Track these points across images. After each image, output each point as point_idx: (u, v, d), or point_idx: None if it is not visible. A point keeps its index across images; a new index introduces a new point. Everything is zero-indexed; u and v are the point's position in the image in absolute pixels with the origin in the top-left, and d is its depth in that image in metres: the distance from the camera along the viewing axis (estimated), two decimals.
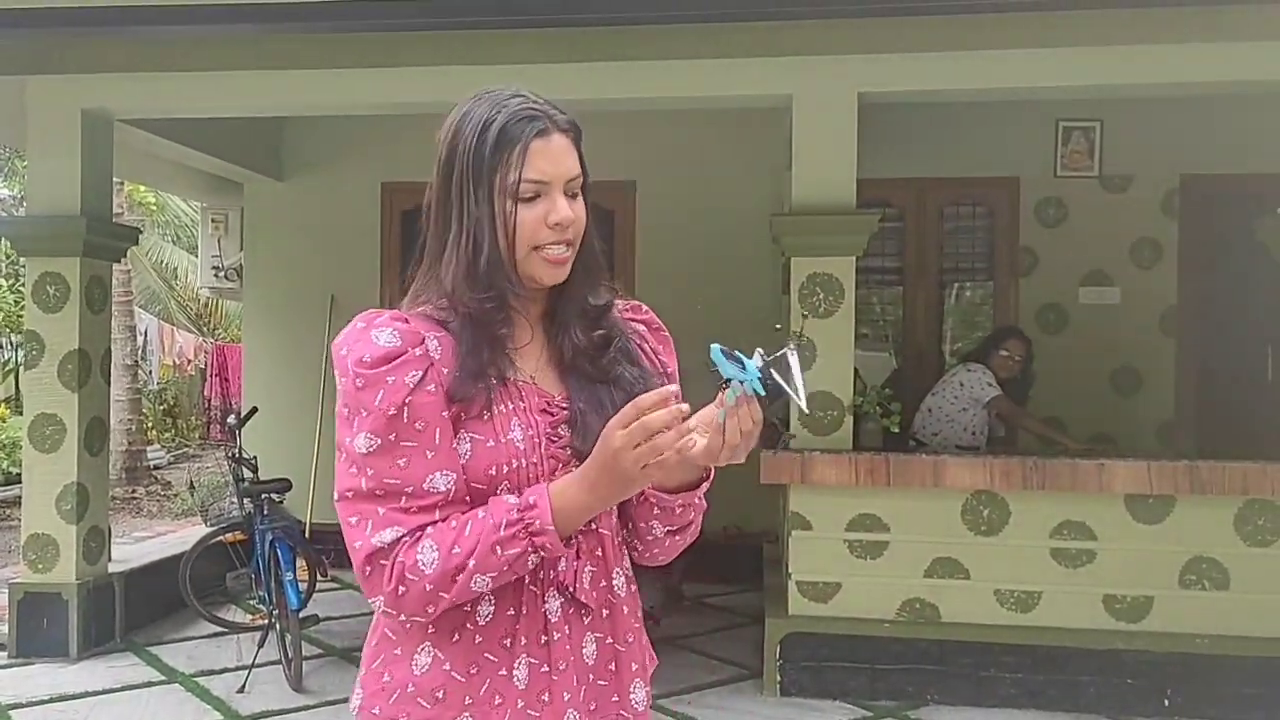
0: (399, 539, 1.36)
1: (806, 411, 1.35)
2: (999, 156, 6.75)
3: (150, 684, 4.99)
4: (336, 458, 1.43)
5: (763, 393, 1.29)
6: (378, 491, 1.37)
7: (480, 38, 4.89)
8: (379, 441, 1.37)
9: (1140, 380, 6.77)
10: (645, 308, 1.66)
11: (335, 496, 1.40)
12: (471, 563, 1.34)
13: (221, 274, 8.48)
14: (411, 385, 1.37)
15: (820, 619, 4.78)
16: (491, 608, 1.43)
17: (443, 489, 1.38)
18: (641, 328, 1.63)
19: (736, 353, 1.31)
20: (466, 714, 1.43)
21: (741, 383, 1.29)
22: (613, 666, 1.53)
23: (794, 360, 1.33)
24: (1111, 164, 6.71)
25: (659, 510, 1.52)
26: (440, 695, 1.43)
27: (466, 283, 1.43)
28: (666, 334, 1.67)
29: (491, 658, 1.43)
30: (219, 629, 5.84)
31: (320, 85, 5.20)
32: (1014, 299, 6.90)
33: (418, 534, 1.36)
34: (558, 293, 1.51)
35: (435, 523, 1.37)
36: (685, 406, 1.30)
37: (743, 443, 1.33)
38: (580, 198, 1.49)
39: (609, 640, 1.53)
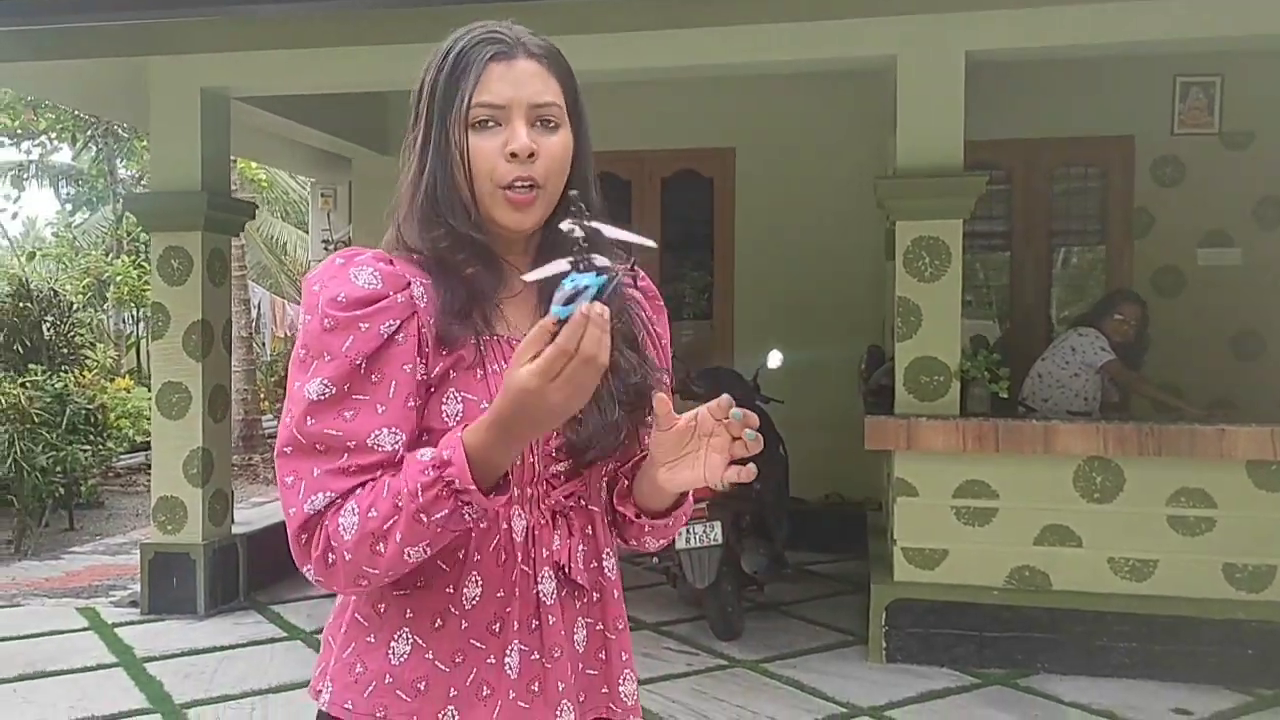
0: (331, 503, 1.22)
1: (652, 245, 1.14)
2: (1112, 115, 6.53)
3: (273, 640, 5.21)
4: (285, 406, 1.27)
5: (591, 285, 1.09)
6: (318, 446, 1.22)
7: (580, 6, 4.91)
8: (333, 390, 1.23)
9: (1263, 344, 6.51)
10: (643, 274, 1.50)
11: (275, 452, 1.26)
12: (398, 535, 1.18)
13: (331, 247, 8.71)
14: (385, 335, 1.24)
15: (927, 585, 4.75)
16: (479, 590, 1.30)
17: (388, 448, 1.23)
18: (639, 294, 1.47)
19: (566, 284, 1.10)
20: (451, 707, 1.30)
21: (593, 290, 1.09)
22: (602, 655, 1.41)
23: (603, 230, 1.13)
24: (1232, 120, 6.44)
25: (650, 529, 1.43)
26: (422, 687, 1.30)
27: (419, 223, 1.31)
28: (661, 303, 1.53)
29: (479, 645, 1.31)
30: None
31: (421, 58, 5.29)
32: (1128, 261, 6.70)
33: (349, 496, 1.22)
34: (548, 248, 1.32)
35: (363, 484, 1.22)
36: (584, 311, 1.08)
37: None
38: (561, 132, 1.32)
39: (599, 627, 1.41)
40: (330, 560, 1.21)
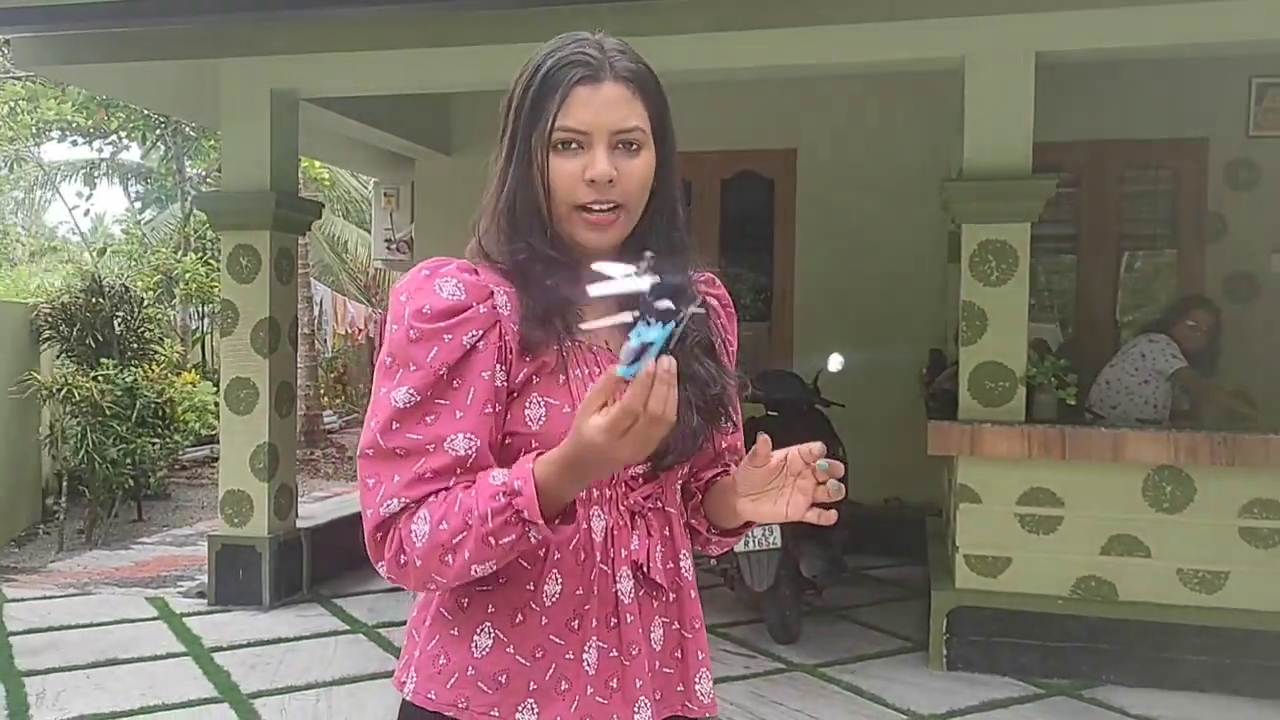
0: (405, 508, 1.27)
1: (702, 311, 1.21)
2: (1185, 117, 6.41)
3: (336, 633, 5.29)
4: (369, 409, 1.32)
5: (664, 335, 1.11)
6: (398, 451, 1.28)
7: (643, 9, 4.92)
8: (418, 398, 1.27)
9: None
10: (718, 281, 1.53)
11: (358, 452, 1.32)
12: (466, 553, 1.24)
13: (393, 246, 8.83)
14: (468, 345, 1.28)
15: (989, 593, 4.69)
16: (559, 587, 1.34)
17: (461, 451, 1.27)
18: (715, 303, 1.51)
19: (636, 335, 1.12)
20: (530, 700, 1.33)
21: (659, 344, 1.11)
22: (678, 654, 1.44)
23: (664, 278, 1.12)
24: None
25: (718, 543, 1.53)
26: (503, 680, 1.34)
27: (500, 235, 1.35)
28: (733, 310, 1.56)
29: (558, 640, 1.34)
30: (395, 585, 6.12)
31: (486, 60, 5.33)
32: (1199, 267, 6.56)
33: (422, 503, 1.27)
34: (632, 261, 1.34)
35: (437, 491, 1.27)
36: (650, 370, 1.12)
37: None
38: (643, 154, 1.34)
39: (675, 626, 1.44)
40: (402, 561, 1.28)
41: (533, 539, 1.24)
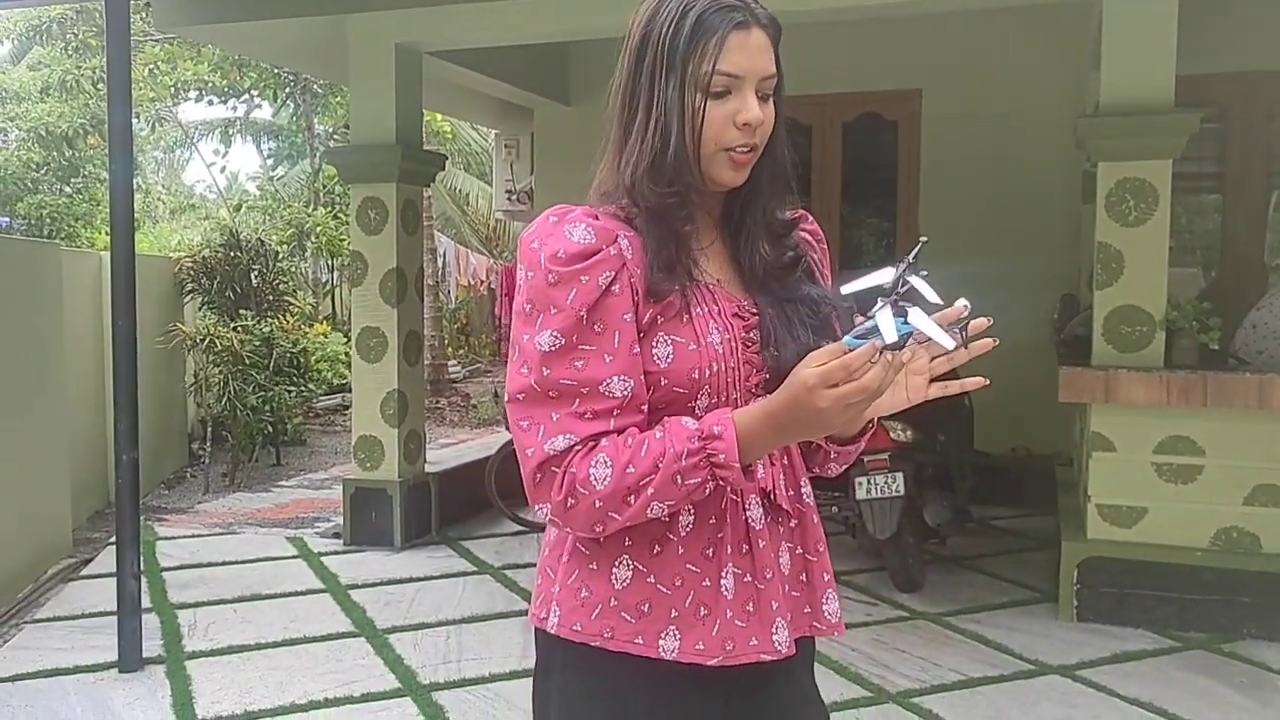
0: (571, 447, 1.30)
1: (953, 347, 1.23)
2: None
3: (464, 574, 5.46)
4: (510, 356, 1.37)
5: (894, 339, 1.19)
6: (551, 394, 1.31)
7: None
8: (563, 341, 1.31)
9: None
10: (810, 217, 1.55)
11: (507, 399, 1.35)
12: (650, 490, 1.28)
13: (514, 197, 8.93)
14: (604, 286, 1.32)
15: (1122, 544, 4.56)
16: (691, 518, 1.38)
17: (619, 394, 1.31)
18: (809, 237, 1.54)
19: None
20: (673, 627, 1.37)
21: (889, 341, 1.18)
22: (804, 577, 1.48)
23: (923, 287, 1.20)
24: None
25: (835, 455, 1.50)
26: (645, 609, 1.37)
27: (649, 176, 1.36)
28: (826, 247, 1.59)
29: (694, 569, 1.38)
30: (521, 528, 6.29)
31: (604, 8, 5.29)
32: None
33: (591, 444, 1.30)
34: (741, 200, 1.44)
35: (609, 433, 1.31)
36: (877, 345, 1.19)
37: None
38: (771, 101, 1.39)
39: (799, 550, 1.48)
40: (571, 504, 1.31)
41: (707, 491, 1.30)
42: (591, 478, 1.29)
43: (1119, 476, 4.56)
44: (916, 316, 1.20)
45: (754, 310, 1.43)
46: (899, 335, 1.19)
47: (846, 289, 1.25)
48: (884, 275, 1.22)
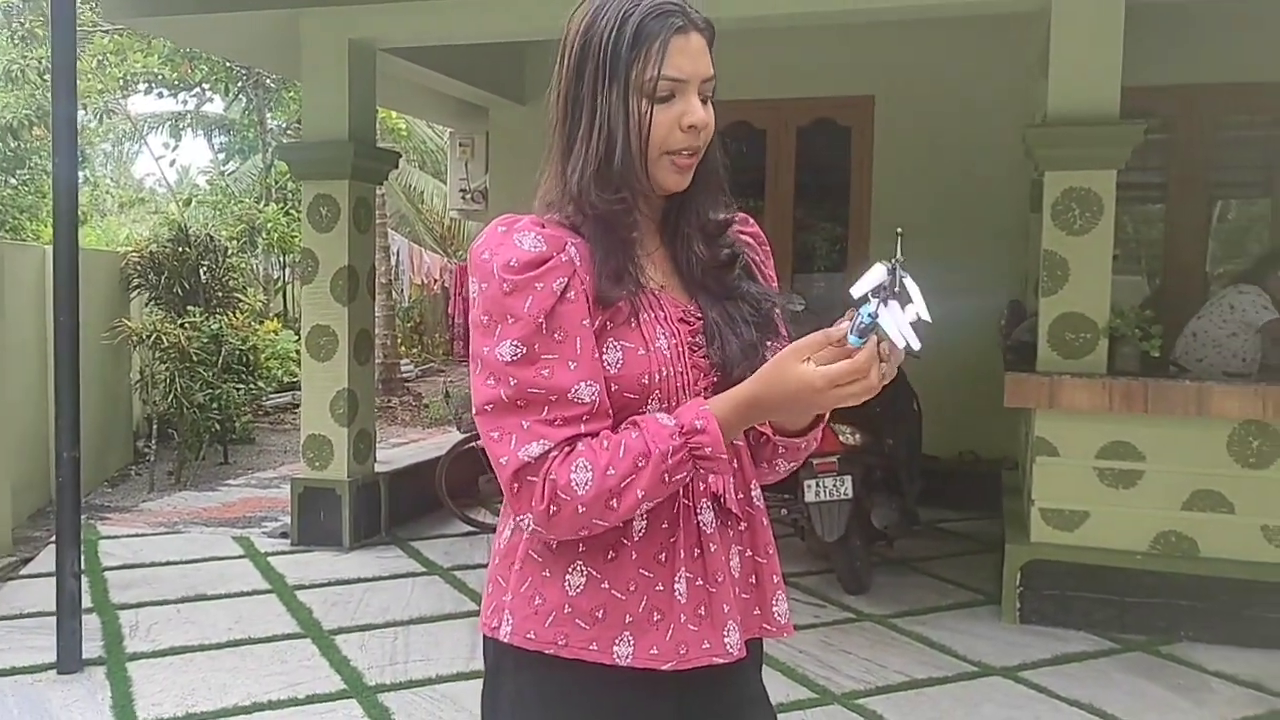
0: (547, 453, 1.30)
1: (915, 350, 1.24)
2: None
3: (413, 574, 5.43)
4: (471, 370, 1.37)
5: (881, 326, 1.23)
6: (519, 402, 1.31)
7: None
8: (524, 350, 1.31)
9: None
10: (750, 219, 1.57)
11: (474, 411, 1.35)
12: (640, 491, 1.30)
13: (469, 196, 8.89)
14: (558, 291, 1.32)
15: (1065, 548, 4.63)
16: (644, 523, 1.39)
17: (588, 400, 1.32)
18: (749, 239, 1.56)
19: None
20: (627, 633, 1.38)
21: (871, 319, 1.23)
22: (753, 579, 1.49)
23: (911, 286, 1.25)
24: None
25: (784, 450, 1.50)
26: (600, 615, 1.38)
27: (596, 183, 1.36)
28: (769, 247, 1.60)
29: (647, 574, 1.39)
30: (471, 529, 6.26)
31: (560, 8, 5.30)
32: None
33: (567, 449, 1.31)
34: (676, 203, 1.45)
35: (582, 436, 1.32)
36: (876, 342, 1.24)
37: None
38: (711, 105, 1.40)
39: (749, 553, 1.49)
40: (554, 511, 1.31)
41: (688, 478, 1.34)
42: (573, 483, 1.29)
43: (1062, 481, 4.64)
44: (889, 315, 1.23)
45: (698, 315, 1.45)
46: (867, 321, 1.23)
47: (855, 290, 1.27)
48: (879, 273, 1.25)
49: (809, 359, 1.27)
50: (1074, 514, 4.63)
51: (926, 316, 1.24)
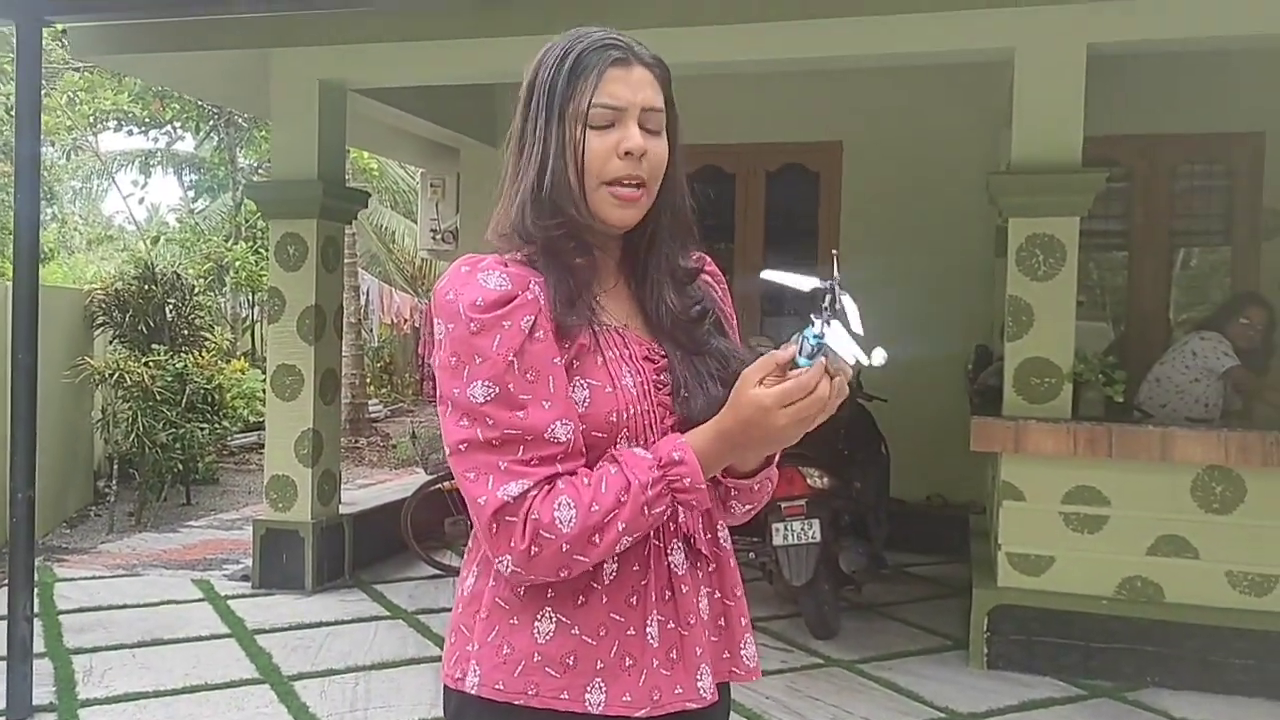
0: (526, 492, 1.28)
1: (867, 363, 1.26)
2: (1241, 110, 6.27)
3: (377, 618, 5.34)
4: (441, 412, 1.35)
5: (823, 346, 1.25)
6: (494, 442, 1.29)
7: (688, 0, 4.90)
8: (497, 389, 1.29)
9: None
10: (708, 259, 1.56)
11: (448, 453, 1.34)
12: (621, 525, 1.29)
13: (439, 236, 8.88)
14: (526, 330, 1.31)
15: (1031, 592, 4.63)
16: (615, 565, 1.37)
17: (564, 439, 1.31)
18: (708, 279, 1.55)
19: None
20: (599, 679, 1.35)
21: (824, 346, 1.25)
22: (722, 622, 1.47)
23: (849, 304, 1.27)
24: None
25: (736, 493, 1.46)
26: (570, 662, 1.35)
27: (532, 210, 1.37)
28: (727, 286, 1.60)
29: (618, 618, 1.37)
30: (436, 572, 6.18)
31: (530, 50, 5.33)
32: (1255, 264, 6.42)
33: (546, 488, 1.29)
34: (644, 245, 1.44)
35: (560, 475, 1.30)
36: (824, 363, 1.26)
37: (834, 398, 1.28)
38: (663, 139, 1.40)
39: (717, 595, 1.47)
40: (535, 552, 1.28)
41: (667, 512, 1.33)
42: (556, 521, 1.28)
43: (1028, 525, 4.64)
44: (834, 334, 1.25)
45: (662, 353, 1.44)
46: (814, 343, 1.24)
47: (769, 275, 1.29)
48: (807, 281, 1.28)
49: (760, 382, 1.27)
50: (1040, 558, 4.64)
51: (859, 330, 1.26)
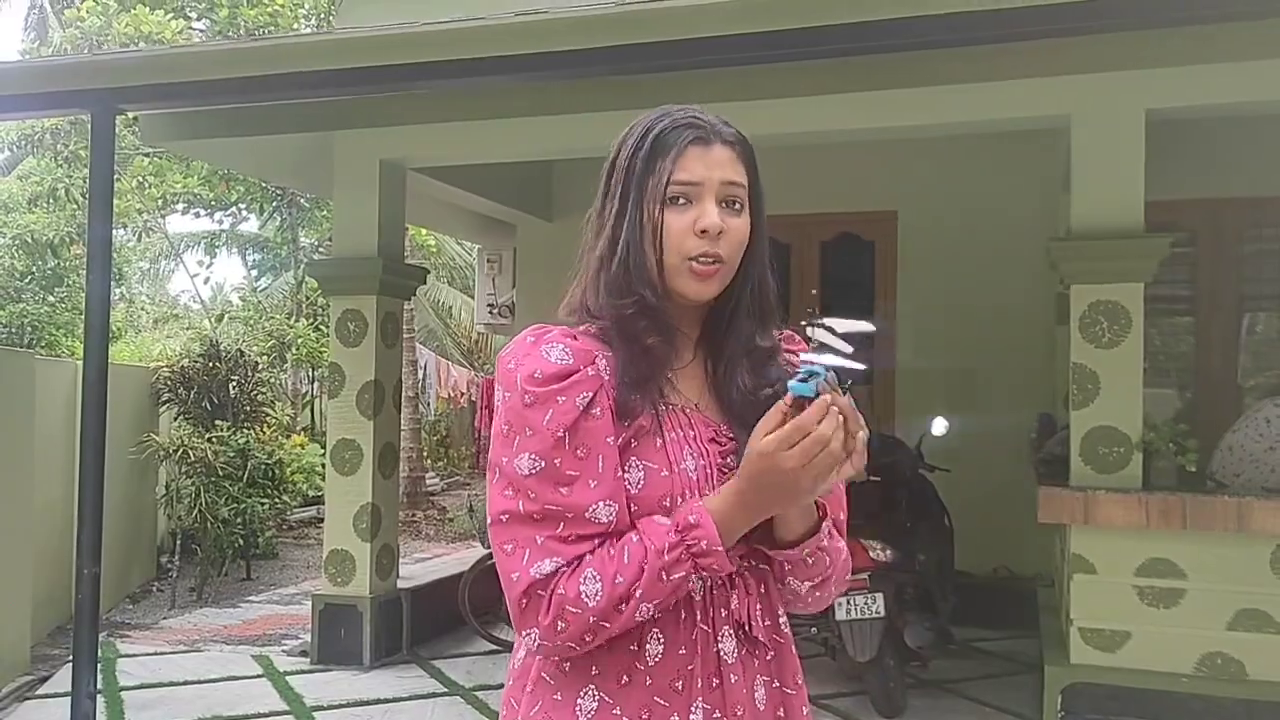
0: (558, 569, 1.28)
1: (859, 370, 1.30)
2: None
3: (434, 695, 5.30)
4: (489, 478, 1.35)
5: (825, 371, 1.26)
6: (535, 516, 1.29)
7: (745, 74, 4.95)
8: (543, 464, 1.29)
9: None
10: (796, 337, 1.52)
11: (489, 520, 1.34)
12: (638, 591, 1.27)
13: (496, 311, 8.98)
14: (581, 407, 1.30)
15: (1106, 669, 4.47)
16: (661, 647, 1.34)
17: (605, 520, 1.29)
18: (791, 359, 1.49)
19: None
20: None
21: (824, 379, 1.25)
22: (781, 712, 1.42)
23: (827, 337, 1.31)
24: None
25: (790, 566, 1.41)
26: None
27: (608, 290, 1.36)
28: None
29: (662, 702, 1.33)
30: (494, 647, 6.13)
31: (587, 128, 5.42)
32: None
33: (575, 564, 1.28)
34: (724, 323, 1.43)
35: (593, 551, 1.30)
36: (828, 398, 1.24)
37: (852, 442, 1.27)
38: (744, 215, 1.39)
39: (776, 684, 1.42)
40: (562, 627, 1.28)
41: (693, 580, 1.30)
42: (583, 595, 1.27)
43: (1100, 599, 4.50)
44: (823, 358, 1.27)
45: (731, 435, 1.40)
46: (818, 374, 1.25)
47: (808, 357, 1.30)
48: (817, 357, 1.29)
49: (769, 433, 1.25)
50: (1115, 634, 4.48)
51: (847, 356, 1.28)
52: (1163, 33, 4.38)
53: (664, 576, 1.27)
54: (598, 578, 1.27)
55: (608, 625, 1.28)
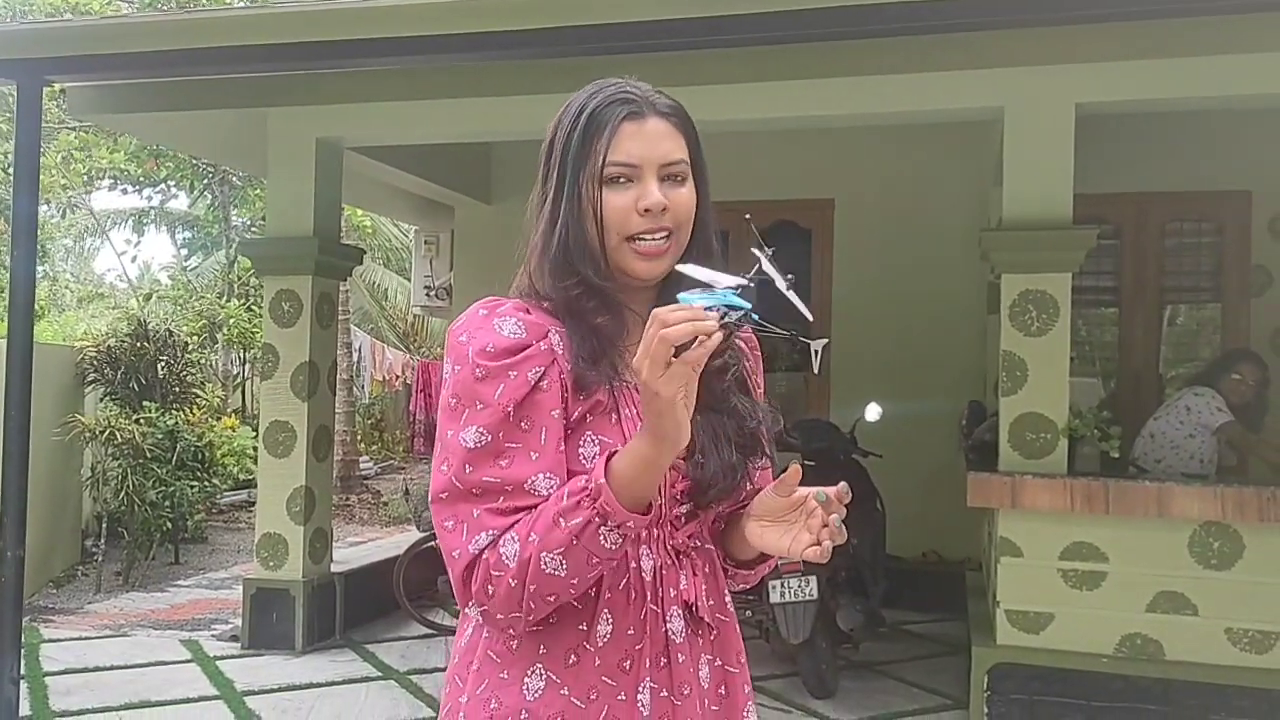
0: (493, 540, 1.27)
1: (810, 318, 1.29)
2: (1228, 169, 6.35)
3: (368, 679, 5.26)
4: (435, 450, 1.34)
5: (748, 307, 1.18)
6: (474, 491, 1.28)
7: (685, 59, 4.96)
8: (489, 438, 1.28)
9: None
10: (747, 327, 1.50)
11: (429, 497, 1.33)
12: (535, 539, 1.24)
13: (433, 293, 8.91)
14: (533, 381, 1.29)
15: (1031, 650, 4.59)
16: (609, 627, 1.34)
17: (544, 492, 1.28)
18: (743, 345, 1.51)
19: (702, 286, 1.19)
20: None
21: (729, 310, 1.16)
22: (723, 690, 1.44)
23: (774, 272, 1.22)
24: None
25: (731, 574, 1.52)
26: None
27: (552, 273, 1.36)
28: (760, 354, 1.56)
29: (610, 682, 1.33)
30: (429, 631, 6.11)
31: (526, 110, 5.38)
32: (1244, 320, 6.46)
33: (508, 531, 1.28)
34: (671, 299, 1.30)
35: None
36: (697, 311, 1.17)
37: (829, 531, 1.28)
38: (689, 185, 1.38)
39: (718, 663, 1.44)
40: (491, 591, 1.26)
41: (605, 539, 1.22)
42: (503, 557, 1.26)
43: (1026, 582, 4.61)
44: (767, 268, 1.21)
45: None
46: (718, 302, 1.18)
47: (684, 268, 1.24)
48: (725, 279, 1.21)
49: None
50: (1039, 616, 4.60)
51: (785, 288, 1.25)
52: (1093, 28, 4.48)
53: (560, 522, 1.23)
54: (515, 539, 1.25)
55: (533, 587, 1.24)
